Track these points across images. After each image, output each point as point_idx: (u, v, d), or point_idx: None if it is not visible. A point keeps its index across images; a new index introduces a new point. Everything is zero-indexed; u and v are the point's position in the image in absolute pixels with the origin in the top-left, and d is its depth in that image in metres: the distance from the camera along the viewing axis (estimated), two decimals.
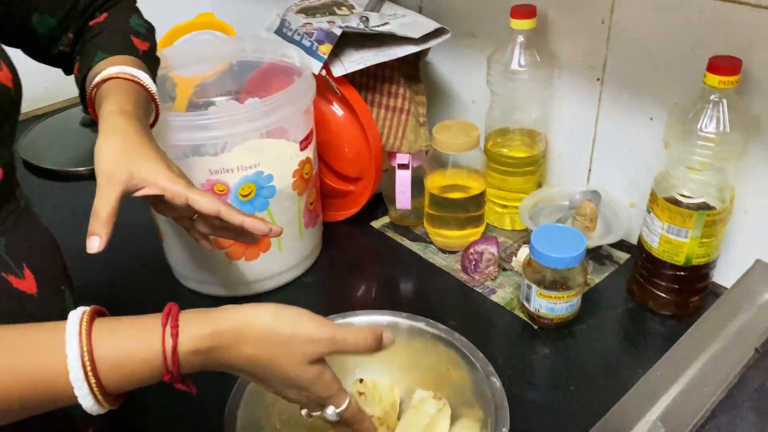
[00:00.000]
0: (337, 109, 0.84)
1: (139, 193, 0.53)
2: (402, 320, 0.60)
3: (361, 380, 0.59)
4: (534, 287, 0.69)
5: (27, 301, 0.48)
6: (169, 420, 0.63)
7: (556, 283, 0.68)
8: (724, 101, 0.60)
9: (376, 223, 0.91)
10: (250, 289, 0.77)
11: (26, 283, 0.48)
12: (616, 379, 0.66)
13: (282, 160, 0.72)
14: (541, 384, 0.66)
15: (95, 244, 0.48)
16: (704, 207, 0.65)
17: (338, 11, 0.86)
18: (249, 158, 0.68)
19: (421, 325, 0.60)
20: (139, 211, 0.93)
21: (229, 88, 0.86)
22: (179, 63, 0.81)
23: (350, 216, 0.90)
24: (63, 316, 0.40)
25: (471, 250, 0.79)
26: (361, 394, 0.58)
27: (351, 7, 0.87)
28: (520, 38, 0.77)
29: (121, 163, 0.51)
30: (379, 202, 0.93)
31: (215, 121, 0.66)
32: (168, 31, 0.92)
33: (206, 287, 0.78)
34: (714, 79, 0.59)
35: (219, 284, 0.77)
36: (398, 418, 0.59)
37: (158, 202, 0.56)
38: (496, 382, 0.54)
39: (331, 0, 0.89)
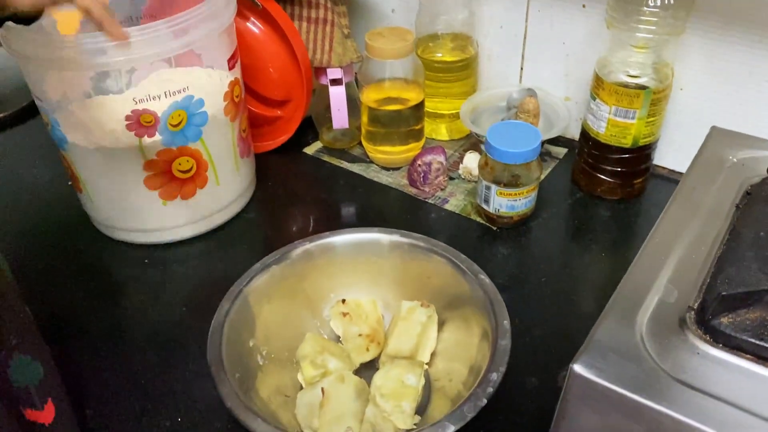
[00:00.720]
0: (255, 26, 0.77)
1: None
2: (382, 235, 0.56)
3: (343, 300, 0.56)
4: (493, 187, 0.67)
5: None
6: (149, 371, 0.58)
7: (514, 180, 0.67)
8: None
9: (309, 150, 0.86)
10: (190, 231, 0.70)
11: None
12: (581, 263, 0.68)
13: (211, 81, 0.64)
14: (512, 282, 0.65)
15: None
16: (646, 87, 0.66)
17: None
18: (176, 83, 0.60)
19: (396, 237, 0.57)
20: (46, 167, 0.83)
21: (126, 15, 0.76)
22: None
23: (280, 145, 0.84)
24: None
25: (418, 162, 0.76)
26: (345, 314, 0.55)
27: None
28: None
29: None
30: (308, 127, 0.88)
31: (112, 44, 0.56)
32: None
33: (138, 236, 0.70)
34: None
35: (153, 230, 0.69)
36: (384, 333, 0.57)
37: None
38: (485, 278, 0.53)
39: None
